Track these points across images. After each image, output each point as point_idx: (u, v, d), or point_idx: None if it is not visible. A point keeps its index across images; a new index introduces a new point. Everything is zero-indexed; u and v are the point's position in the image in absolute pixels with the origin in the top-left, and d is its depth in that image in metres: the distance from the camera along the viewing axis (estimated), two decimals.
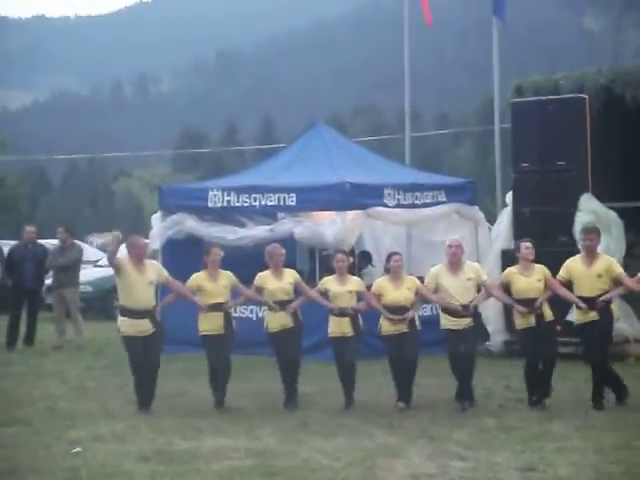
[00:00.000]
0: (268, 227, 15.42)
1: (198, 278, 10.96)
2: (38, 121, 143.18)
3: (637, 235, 14.79)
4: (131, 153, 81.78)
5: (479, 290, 10.91)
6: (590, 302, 10.52)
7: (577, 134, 14.61)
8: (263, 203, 15.29)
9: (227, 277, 11.00)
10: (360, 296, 11.01)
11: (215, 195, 15.66)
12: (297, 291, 11.14)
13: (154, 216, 16.29)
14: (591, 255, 10.73)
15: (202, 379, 11.94)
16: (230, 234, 15.39)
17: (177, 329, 12.86)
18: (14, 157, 61.73)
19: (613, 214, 14.55)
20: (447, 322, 10.75)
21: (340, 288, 10.93)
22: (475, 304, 10.80)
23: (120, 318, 10.66)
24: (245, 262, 13.24)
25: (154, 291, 10.76)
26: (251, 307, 14.36)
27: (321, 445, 8.69)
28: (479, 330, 11.09)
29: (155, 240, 15.95)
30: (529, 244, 10.86)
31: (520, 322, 10.77)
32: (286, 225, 15.23)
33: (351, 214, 14.89)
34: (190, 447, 8.70)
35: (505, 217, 15.48)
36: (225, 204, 15.58)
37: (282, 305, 10.90)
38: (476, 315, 10.88)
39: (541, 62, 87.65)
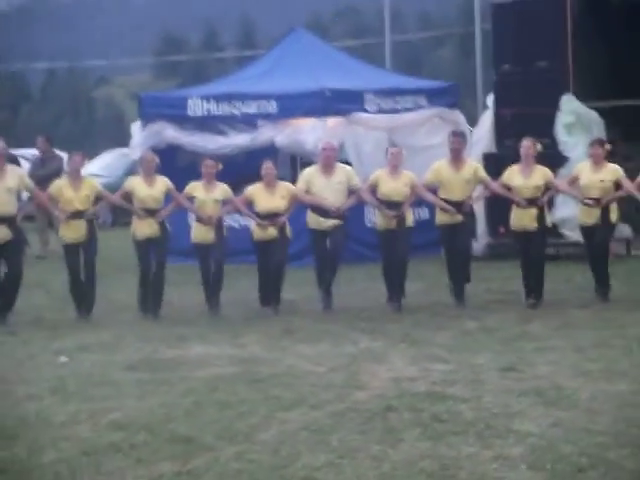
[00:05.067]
0: (249, 135, 15.33)
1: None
2: (13, 27, 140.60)
3: (620, 133, 14.73)
4: (110, 61, 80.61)
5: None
6: (458, 206, 10.72)
7: (558, 33, 14.46)
8: (243, 111, 15.17)
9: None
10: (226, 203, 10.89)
11: (195, 103, 15.50)
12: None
13: (134, 125, 16.14)
14: (458, 159, 10.84)
15: (187, 288, 12.02)
16: (211, 143, 15.27)
17: None
18: None
19: (594, 114, 14.49)
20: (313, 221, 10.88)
21: (206, 196, 10.82)
22: (345, 208, 10.86)
23: None
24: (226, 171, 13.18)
25: (14, 198, 10.57)
26: (235, 216, 14.32)
27: (305, 351, 8.78)
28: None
29: (136, 150, 15.83)
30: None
31: (381, 223, 10.94)
32: (267, 133, 15.13)
33: (332, 121, 14.80)
34: (175, 355, 8.78)
35: (486, 120, 15.42)
36: (205, 113, 15.44)
37: (150, 214, 10.71)
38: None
39: None
